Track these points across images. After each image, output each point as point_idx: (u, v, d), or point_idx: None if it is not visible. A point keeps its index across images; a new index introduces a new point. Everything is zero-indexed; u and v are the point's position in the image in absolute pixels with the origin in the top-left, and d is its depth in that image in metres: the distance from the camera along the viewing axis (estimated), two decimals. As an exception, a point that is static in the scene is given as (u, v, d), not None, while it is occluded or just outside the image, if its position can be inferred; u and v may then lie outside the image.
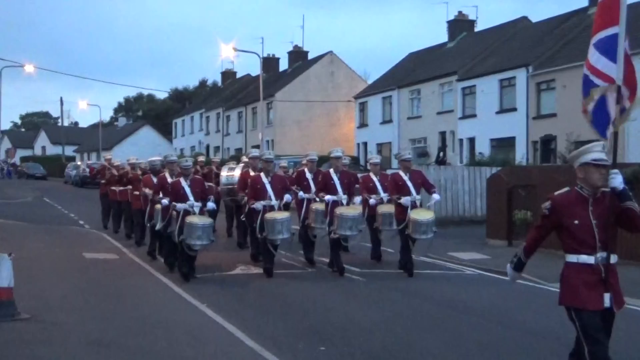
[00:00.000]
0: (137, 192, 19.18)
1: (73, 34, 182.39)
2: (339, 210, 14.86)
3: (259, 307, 11.75)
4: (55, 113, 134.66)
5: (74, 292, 12.85)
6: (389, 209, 15.67)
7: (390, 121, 51.18)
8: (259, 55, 54.42)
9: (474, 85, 43.13)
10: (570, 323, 6.33)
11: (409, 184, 15.07)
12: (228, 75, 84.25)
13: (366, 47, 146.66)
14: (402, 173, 15.32)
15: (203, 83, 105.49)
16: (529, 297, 12.91)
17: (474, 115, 42.75)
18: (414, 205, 14.92)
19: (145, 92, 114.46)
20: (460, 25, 52.76)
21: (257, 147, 54.44)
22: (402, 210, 14.95)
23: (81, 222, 27.00)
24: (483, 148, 40.28)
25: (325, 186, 15.43)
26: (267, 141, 57.65)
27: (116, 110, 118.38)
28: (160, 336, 9.64)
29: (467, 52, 47.68)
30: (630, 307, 11.91)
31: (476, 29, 52.88)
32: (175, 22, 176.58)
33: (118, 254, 18.04)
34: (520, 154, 37.62)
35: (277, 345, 9.21)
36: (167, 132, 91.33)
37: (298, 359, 8.63)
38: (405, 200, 14.84)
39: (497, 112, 40.92)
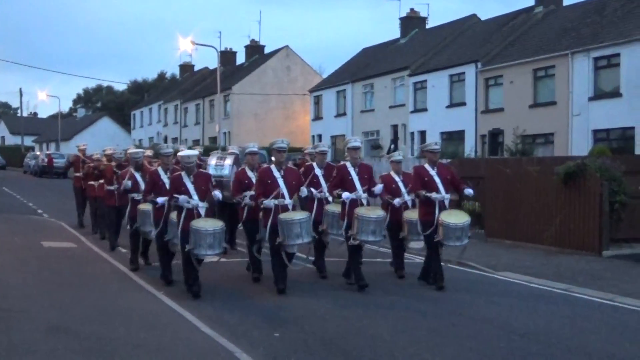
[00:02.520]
0: (110, 187, 16.45)
1: (32, 25, 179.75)
2: (359, 212, 12.13)
3: (215, 295, 11.64)
4: (14, 103, 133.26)
5: (32, 281, 12.67)
6: (417, 215, 12.82)
7: (344, 114, 51.29)
8: (216, 49, 54.27)
9: (425, 80, 43.37)
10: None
11: (437, 179, 12.44)
12: (186, 68, 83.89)
13: (321, 42, 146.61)
14: (428, 166, 12.62)
15: (162, 75, 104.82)
16: (477, 285, 13.07)
17: (425, 109, 43.00)
18: (442, 206, 12.33)
19: (105, 84, 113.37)
20: (412, 22, 52.98)
21: (214, 139, 54.46)
22: (428, 210, 12.34)
23: (40, 211, 26.64)
24: (434, 141, 40.46)
25: (342, 182, 12.58)
26: (224, 133, 57.46)
27: (75, 102, 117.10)
28: (118, 323, 9.55)
29: (419, 48, 47.92)
30: (579, 295, 12.13)
31: (427, 26, 53.11)
32: (134, 15, 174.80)
33: (76, 243, 17.83)
34: (469, 147, 37.96)
35: (232, 332, 9.18)
36: (125, 123, 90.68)
37: (253, 345, 8.60)
38: (434, 195, 12.24)
39: (447, 107, 41.21)
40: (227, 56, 69.99)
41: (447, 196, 12.43)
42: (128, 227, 14.40)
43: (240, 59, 72.50)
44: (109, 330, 9.21)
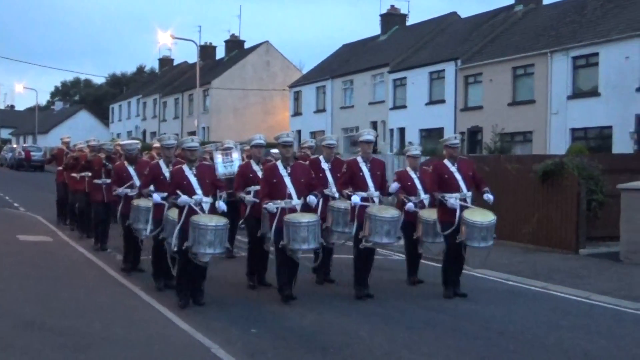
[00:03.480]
0: (98, 181, 15.37)
1: (9, 17, 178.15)
2: (371, 211, 10.90)
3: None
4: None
5: (7, 275, 12.54)
6: (434, 215, 11.72)
7: (323, 110, 51.27)
8: (196, 43, 53.98)
9: (405, 77, 43.41)
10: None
11: (458, 176, 11.36)
12: (165, 62, 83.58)
13: (301, 38, 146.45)
14: (448, 162, 11.52)
15: (140, 69, 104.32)
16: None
17: (405, 106, 43.05)
18: (463, 205, 11.24)
19: (83, 77, 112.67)
20: (392, 19, 53.00)
21: (193, 133, 54.18)
22: (448, 210, 11.26)
23: (16, 204, 26.44)
24: (413, 138, 40.53)
25: (352, 179, 11.30)
26: (203, 127, 57.29)
27: (53, 94, 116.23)
28: (94, 318, 9.48)
29: (399, 45, 47.96)
30: (556, 293, 12.19)
31: (408, 23, 53.18)
32: (113, 8, 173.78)
33: (52, 237, 17.69)
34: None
35: (209, 328, 9.13)
36: (104, 117, 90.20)
37: (230, 341, 8.57)
38: (452, 201, 11.16)
39: (427, 104, 41.26)
40: (206, 51, 69.77)
41: (469, 194, 11.36)
42: (120, 226, 13.16)
43: (220, 53, 72.27)
44: (84, 324, 9.14)
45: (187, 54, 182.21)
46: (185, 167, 10.48)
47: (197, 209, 10.19)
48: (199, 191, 10.31)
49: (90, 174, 16.10)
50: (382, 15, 53.57)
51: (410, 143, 37.92)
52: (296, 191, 10.68)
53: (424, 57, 42.93)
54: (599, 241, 17.07)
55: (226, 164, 13.38)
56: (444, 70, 40.29)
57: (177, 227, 10.24)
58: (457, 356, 8.19)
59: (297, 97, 55.44)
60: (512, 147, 33.92)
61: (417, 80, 41.98)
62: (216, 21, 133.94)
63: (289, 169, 10.81)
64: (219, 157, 13.32)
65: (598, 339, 9.07)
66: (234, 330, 9.16)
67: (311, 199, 10.61)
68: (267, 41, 64.61)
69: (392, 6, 53.38)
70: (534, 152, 30.70)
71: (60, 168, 19.75)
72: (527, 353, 8.39)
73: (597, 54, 31.41)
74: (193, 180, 10.34)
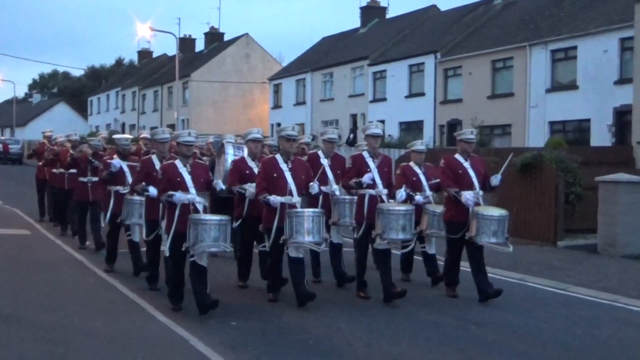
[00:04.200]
0: (83, 179, 14.61)
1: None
2: (383, 206, 10.23)
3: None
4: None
5: (-16, 268, 12.47)
6: (440, 207, 11.22)
7: (303, 103, 51.25)
8: (175, 36, 53.72)
9: (385, 70, 43.48)
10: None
11: (472, 173, 10.60)
12: (144, 54, 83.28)
13: (281, 31, 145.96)
14: (460, 158, 10.73)
15: (119, 62, 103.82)
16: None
17: (384, 99, 43.12)
18: (476, 204, 10.50)
19: (61, 69, 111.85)
20: (372, 11, 53.05)
21: (173, 126, 53.97)
22: (459, 210, 10.46)
23: (-7, 198, 26.23)
24: (392, 131, 40.61)
25: (358, 176, 10.50)
26: (183, 120, 57.06)
27: (31, 87, 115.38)
28: (73, 312, 9.42)
29: (379, 38, 47.99)
30: (534, 285, 12.26)
31: (387, 16, 53.25)
32: (91, 0, 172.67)
33: (30, 230, 17.57)
34: (428, 137, 38.08)
35: (188, 321, 9.10)
36: (82, 109, 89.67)
37: (209, 334, 8.54)
38: (468, 196, 10.34)
39: (406, 97, 41.36)
40: (186, 43, 69.53)
41: (481, 193, 10.60)
42: (106, 223, 12.62)
43: (200, 46, 72.24)
44: (62, 318, 9.09)
45: (167, 47, 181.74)
46: (178, 163, 9.60)
47: (190, 208, 9.36)
48: (192, 190, 9.45)
49: (75, 170, 15.19)
50: (362, 8, 53.63)
51: (390, 136, 38.03)
52: (296, 187, 9.96)
53: (404, 50, 42.99)
54: (577, 233, 17.20)
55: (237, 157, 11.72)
56: (423, 63, 40.39)
57: (172, 230, 9.37)
58: (437, 348, 8.21)
59: (276, 90, 55.38)
60: (491, 140, 34.06)
61: (397, 73, 42.06)
62: (195, 13, 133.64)
63: (289, 163, 10.05)
64: (230, 150, 11.84)
65: (575, 330, 9.13)
66: (213, 323, 9.11)
67: (313, 186, 10.08)
68: (247, 34, 64.53)
69: (372, -1, 53.46)
70: (513, 145, 30.84)
71: (41, 163, 18.95)
72: (505, 344, 8.43)
73: (575, 48, 31.59)
74: (187, 178, 9.47)
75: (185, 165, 9.56)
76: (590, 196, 16.45)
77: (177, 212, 9.34)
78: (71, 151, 15.78)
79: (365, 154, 10.69)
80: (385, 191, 10.53)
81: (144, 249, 11.63)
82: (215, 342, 8.19)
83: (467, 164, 10.62)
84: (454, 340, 8.52)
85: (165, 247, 9.80)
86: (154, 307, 9.80)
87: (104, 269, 12.39)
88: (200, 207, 9.42)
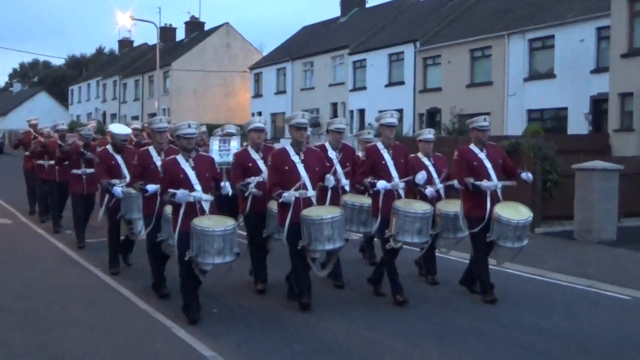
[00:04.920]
0: (77, 171, 13.78)
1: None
2: (399, 206, 9.31)
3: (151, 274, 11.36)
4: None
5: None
6: (454, 207, 10.27)
7: (284, 92, 51.18)
8: (156, 25, 53.47)
9: (365, 59, 43.46)
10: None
11: (488, 164, 9.76)
12: (125, 43, 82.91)
13: (261, 20, 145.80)
14: (474, 148, 9.93)
15: (100, 51, 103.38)
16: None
17: (364, 88, 43.12)
18: (494, 197, 9.69)
19: (42, 59, 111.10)
20: (352, 1, 52.98)
21: (154, 114, 53.70)
22: (477, 203, 9.72)
23: (-26, 187, 26.06)
24: (372, 119, 40.50)
25: (373, 168, 9.65)
26: (164, 109, 56.82)
27: (11, 76, 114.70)
28: (54, 300, 9.41)
29: (359, 27, 47.95)
30: (511, 271, 12.33)
31: (367, 5, 53.22)
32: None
33: (11, 219, 17.48)
34: (407, 126, 38.17)
35: (169, 309, 9.10)
36: (63, 98, 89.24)
37: (152, 291, 8.58)
38: (486, 184, 9.60)
39: (386, 85, 41.36)
40: (166, 32, 69.25)
41: (500, 184, 9.79)
42: (104, 219, 11.71)
43: (180, 35, 71.88)
44: (44, 306, 9.06)
45: (147, 36, 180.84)
46: (180, 158, 8.68)
47: (196, 207, 8.56)
48: (197, 187, 8.56)
49: (67, 162, 14.36)
50: (341, -3, 53.55)
51: (370, 125, 38.00)
52: (310, 180, 9.06)
53: (384, 39, 42.98)
54: (554, 220, 17.30)
55: (222, 152, 11.19)
56: (403, 52, 40.39)
57: (177, 232, 8.56)
58: (418, 336, 8.24)
59: (257, 79, 55.25)
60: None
61: (377, 62, 42.06)
62: (176, 2, 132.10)
63: (301, 155, 9.11)
64: (215, 144, 11.11)
65: (552, 316, 9.18)
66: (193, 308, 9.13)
67: (330, 179, 9.19)
68: (228, 23, 64.32)
69: (353, -12, 53.37)
70: (491, 133, 30.85)
71: (27, 154, 17.86)
72: (483, 330, 8.46)
73: (553, 37, 31.68)
74: (190, 174, 8.58)
75: (187, 160, 8.66)
76: (567, 183, 16.54)
77: (181, 212, 8.51)
78: (59, 142, 15.11)
79: (380, 145, 9.79)
80: (402, 184, 9.65)
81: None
82: (196, 329, 8.20)
83: (482, 155, 9.81)
84: (432, 327, 8.53)
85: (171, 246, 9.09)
86: (136, 295, 9.80)
87: (109, 273, 11.28)
88: (206, 206, 8.60)
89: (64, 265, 12.08)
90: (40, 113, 68.81)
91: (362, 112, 42.59)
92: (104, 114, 71.86)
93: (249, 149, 10.07)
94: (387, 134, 9.81)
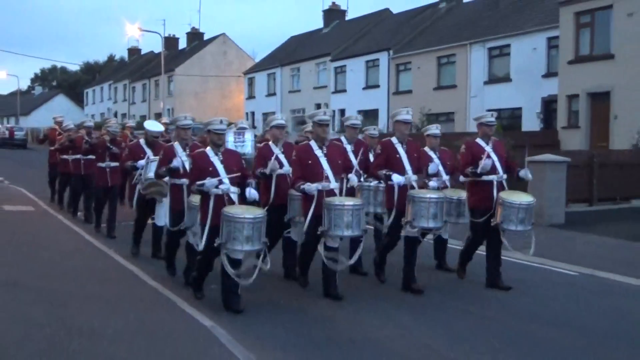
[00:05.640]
0: (102, 164, 13.06)
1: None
2: (414, 193, 8.76)
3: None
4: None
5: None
6: (459, 194, 9.73)
7: (274, 94, 51.05)
8: (161, 35, 53.35)
9: (345, 65, 43.38)
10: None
11: (494, 157, 9.22)
12: (134, 51, 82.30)
13: (254, 30, 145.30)
14: (481, 142, 9.41)
15: (111, 58, 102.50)
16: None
17: (345, 90, 43.07)
18: (500, 188, 9.13)
19: (59, 65, 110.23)
20: (333, 14, 52.87)
21: (159, 115, 53.41)
22: (483, 195, 9.17)
23: (1, 178, 25.81)
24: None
25: (387, 162, 9.09)
26: (168, 109, 56.62)
27: (33, 80, 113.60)
28: (70, 278, 9.33)
29: (339, 37, 47.85)
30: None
31: (347, 18, 53.08)
32: (87, 2, 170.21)
33: (34, 207, 17.33)
34: (382, 124, 38.12)
35: (175, 285, 9.04)
36: (79, 100, 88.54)
37: (194, 296, 8.51)
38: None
39: (364, 88, 41.33)
40: (170, 41, 68.79)
41: (505, 176, 9.22)
42: (132, 208, 11.23)
43: (182, 44, 71.46)
44: (61, 284, 8.98)
45: (153, 45, 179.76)
46: (209, 151, 8.08)
47: (225, 199, 7.91)
48: (225, 179, 7.95)
49: (93, 156, 13.76)
50: (324, 11, 53.43)
51: (347, 118, 37.88)
52: (333, 173, 8.53)
53: (361, 48, 42.91)
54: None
55: (237, 144, 10.69)
56: (378, 59, 40.35)
57: (207, 227, 7.81)
58: (409, 319, 8.22)
59: (250, 83, 55.07)
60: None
61: (355, 67, 42.01)
62: (178, 15, 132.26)
63: (324, 149, 8.60)
64: (231, 137, 10.59)
65: (512, 291, 9.16)
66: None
67: (353, 177, 8.69)
68: (224, 33, 64.14)
69: (333, 3, 53.35)
70: (456, 131, 31.01)
71: (53, 148, 17.02)
72: (448, 305, 8.47)
73: (509, 46, 31.75)
74: (219, 167, 7.97)
75: (216, 154, 8.06)
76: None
77: (211, 204, 7.82)
78: (86, 137, 14.51)
79: (394, 140, 9.20)
80: (414, 177, 9.04)
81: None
82: (198, 303, 8.15)
83: (489, 148, 9.26)
84: (415, 307, 8.53)
85: (197, 240, 8.23)
86: (145, 273, 9.74)
87: (131, 253, 11.07)
88: (235, 197, 7.96)
89: (79, 247, 11.99)
90: (59, 113, 68.15)
91: (342, 111, 42.49)
92: (115, 114, 71.38)
93: (270, 143, 9.47)
94: (402, 130, 9.27)
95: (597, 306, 8.51)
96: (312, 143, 8.65)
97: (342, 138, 10.14)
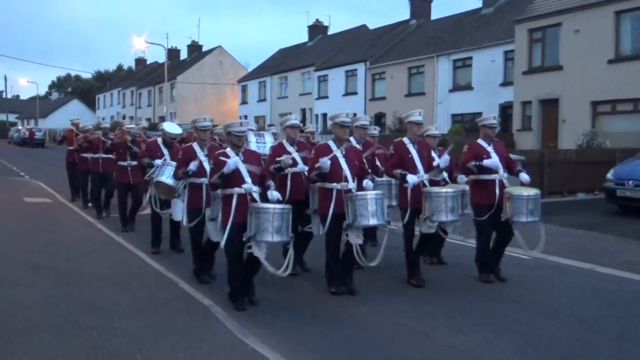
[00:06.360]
0: (123, 163, 12.29)
1: (14, 23, 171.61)
2: (429, 189, 8.11)
3: (164, 241, 10.58)
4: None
5: (15, 228, 12.16)
6: (462, 187, 8.71)
7: (264, 100, 50.94)
8: (164, 47, 53.22)
9: (327, 75, 43.35)
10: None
11: (495, 157, 8.51)
12: (140, 61, 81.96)
13: (247, 43, 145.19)
14: (483, 142, 8.66)
15: (120, 67, 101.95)
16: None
17: (327, 97, 43.03)
18: (502, 187, 8.41)
19: (74, 73, 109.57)
20: (317, 29, 52.79)
21: (163, 118, 53.16)
22: (486, 193, 8.43)
23: (22, 173, 25.63)
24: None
25: (400, 162, 8.33)
26: (171, 113, 56.29)
27: (50, 86, 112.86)
28: (84, 261, 9.28)
29: (322, 49, 47.81)
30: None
31: (329, 33, 53.01)
32: (99, 17, 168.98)
33: (51, 199, 17.21)
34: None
35: (178, 268, 9.02)
36: (91, 105, 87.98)
37: (193, 276, 8.47)
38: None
39: (343, 95, 41.31)
40: (172, 53, 68.49)
41: (506, 175, 8.50)
42: (150, 208, 10.32)
43: (183, 55, 71.12)
44: (76, 267, 8.93)
45: (157, 55, 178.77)
46: (230, 152, 7.19)
47: (247, 198, 7.06)
48: (247, 179, 7.12)
49: (113, 155, 13.12)
50: (309, 27, 53.32)
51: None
52: (351, 174, 7.74)
53: (341, 59, 42.89)
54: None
55: (259, 145, 9.80)
56: (356, 69, 40.36)
57: (229, 224, 6.97)
58: (396, 303, 8.22)
59: (244, 90, 54.91)
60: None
61: (336, 77, 42.01)
62: (180, 29, 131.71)
63: (343, 150, 7.81)
64: (252, 138, 9.70)
65: (471, 272, 9.16)
66: (195, 267, 9.04)
67: (368, 183, 7.79)
68: (220, 46, 63.87)
69: (317, 19, 53.32)
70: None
71: (71, 148, 16.30)
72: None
73: (471, 58, 31.87)
74: (241, 167, 7.12)
75: (237, 155, 7.17)
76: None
77: (234, 203, 7.01)
78: (102, 138, 14.18)
79: (406, 140, 8.47)
80: (427, 176, 8.33)
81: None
82: (197, 284, 8.14)
83: (490, 148, 8.57)
84: (422, 296, 8.52)
85: (219, 238, 7.34)
86: (150, 257, 9.70)
87: (151, 252, 10.16)
88: (257, 196, 7.13)
89: (92, 234, 11.93)
90: (73, 116, 67.76)
91: (325, 115, 42.50)
92: (124, 117, 71.00)
93: (284, 142, 8.81)
94: (415, 131, 8.54)
95: (550, 285, 8.55)
96: (331, 143, 7.90)
97: (352, 139, 8.99)
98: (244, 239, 6.84)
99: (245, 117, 51.92)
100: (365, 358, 5.81)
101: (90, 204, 15.07)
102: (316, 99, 44.08)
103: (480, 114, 30.65)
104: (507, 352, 5.89)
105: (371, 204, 7.33)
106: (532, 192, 8.23)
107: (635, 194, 14.26)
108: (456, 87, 32.85)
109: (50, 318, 6.45)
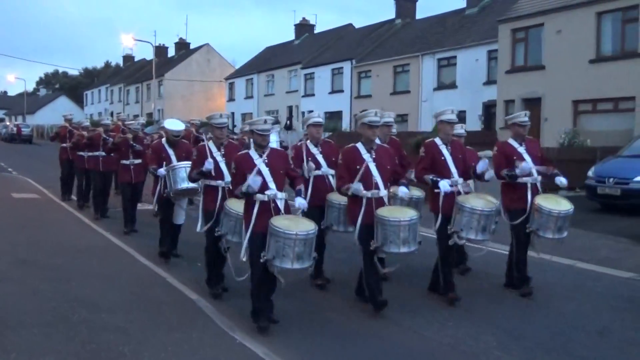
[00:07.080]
0: (125, 162, 11.55)
1: (1, 19, 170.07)
2: (463, 201, 7.16)
3: (153, 235, 10.59)
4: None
5: (4, 224, 12.06)
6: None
7: (251, 97, 50.82)
8: (152, 44, 53.05)
9: (313, 72, 43.32)
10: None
11: (527, 158, 7.64)
12: (128, 58, 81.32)
13: (234, 41, 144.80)
14: (513, 142, 7.83)
15: (108, 64, 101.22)
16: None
17: (313, 94, 43.02)
18: (535, 190, 7.63)
19: (62, 69, 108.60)
20: (303, 28, 52.70)
21: (150, 115, 52.91)
22: (517, 196, 7.65)
23: (10, 169, 25.40)
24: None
25: (432, 164, 7.38)
26: (159, 110, 56.15)
27: (38, 83, 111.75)
28: (75, 257, 9.24)
29: (309, 48, 47.77)
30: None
31: (315, 31, 52.97)
32: (86, 14, 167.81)
33: (40, 195, 17.09)
34: (345, 124, 38.28)
35: (165, 264, 9.04)
36: (79, 101, 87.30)
37: (182, 272, 8.50)
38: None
39: (330, 93, 41.32)
40: (160, 50, 67.98)
41: (539, 178, 7.68)
42: (155, 210, 9.79)
43: (171, 52, 70.68)
44: (67, 262, 8.90)
45: (145, 53, 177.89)
46: (252, 153, 6.39)
47: (271, 205, 6.28)
48: (271, 184, 6.29)
49: (113, 154, 12.36)
50: (296, 25, 53.19)
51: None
52: (382, 180, 6.79)
53: (328, 57, 42.88)
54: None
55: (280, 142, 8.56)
56: (342, 67, 40.37)
57: (249, 232, 6.22)
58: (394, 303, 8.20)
59: (231, 87, 54.76)
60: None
61: (322, 75, 41.99)
62: (168, 27, 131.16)
63: (373, 153, 6.86)
64: (274, 137, 9.08)
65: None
66: (184, 264, 9.08)
67: (403, 190, 7.15)
68: (208, 43, 63.59)
69: (304, 18, 53.15)
70: (409, 130, 31.18)
71: (64, 145, 15.52)
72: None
73: (455, 57, 31.99)
74: (264, 170, 6.29)
75: (261, 156, 6.36)
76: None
77: (255, 211, 6.22)
78: (104, 135, 13.31)
79: (438, 141, 7.51)
80: (461, 180, 7.40)
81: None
82: (184, 278, 8.15)
83: (522, 149, 7.71)
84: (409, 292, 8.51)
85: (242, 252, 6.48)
86: (139, 253, 9.68)
87: (158, 253, 9.51)
88: (281, 204, 6.33)
89: (81, 230, 11.88)
90: (61, 112, 67.35)
91: (311, 112, 42.53)
92: (112, 113, 70.59)
93: (308, 143, 7.97)
94: (447, 131, 7.54)
95: (532, 280, 8.59)
96: (360, 146, 6.90)
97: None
98: (261, 259, 6.04)
99: (233, 114, 51.79)
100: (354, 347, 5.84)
101: (87, 204, 14.43)
102: (303, 96, 44.05)
103: (464, 112, 30.95)
104: (490, 346, 5.96)
105: (404, 230, 6.47)
106: (564, 207, 7.43)
107: (615, 191, 14.39)
108: (441, 86, 32.96)
109: (39, 313, 6.42)
